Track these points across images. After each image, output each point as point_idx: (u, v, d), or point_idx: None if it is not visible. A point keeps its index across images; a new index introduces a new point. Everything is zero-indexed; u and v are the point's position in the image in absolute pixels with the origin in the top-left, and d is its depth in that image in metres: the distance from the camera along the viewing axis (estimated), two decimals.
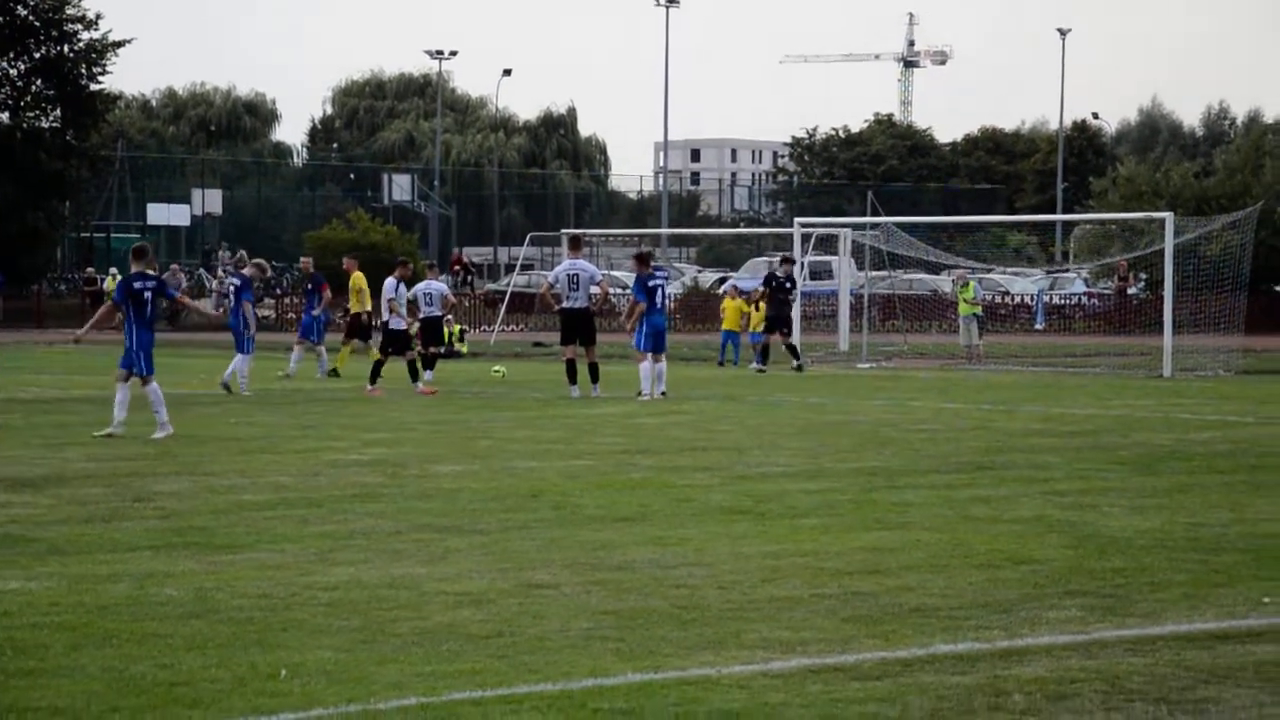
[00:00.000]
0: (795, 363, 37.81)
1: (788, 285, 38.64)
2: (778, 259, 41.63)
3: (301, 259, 40.76)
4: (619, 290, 43.55)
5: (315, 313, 35.12)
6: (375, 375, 29.88)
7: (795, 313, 40.01)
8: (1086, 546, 12.93)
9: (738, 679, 8.86)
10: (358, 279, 35.52)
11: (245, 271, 31.01)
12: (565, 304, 28.69)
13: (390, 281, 30.95)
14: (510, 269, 75.48)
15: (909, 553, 12.66)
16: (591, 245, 79.83)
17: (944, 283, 60.70)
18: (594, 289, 28.82)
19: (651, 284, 28.77)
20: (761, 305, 40.10)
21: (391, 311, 30.43)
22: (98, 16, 68.23)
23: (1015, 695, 8.57)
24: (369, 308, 35.24)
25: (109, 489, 16.08)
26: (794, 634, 9.92)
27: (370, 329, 35.39)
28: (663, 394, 28.12)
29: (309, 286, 36.00)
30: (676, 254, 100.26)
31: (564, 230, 57.33)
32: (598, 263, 61.96)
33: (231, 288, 30.91)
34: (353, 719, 8.12)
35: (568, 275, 28.68)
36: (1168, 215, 39.30)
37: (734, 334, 40.97)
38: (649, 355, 28.42)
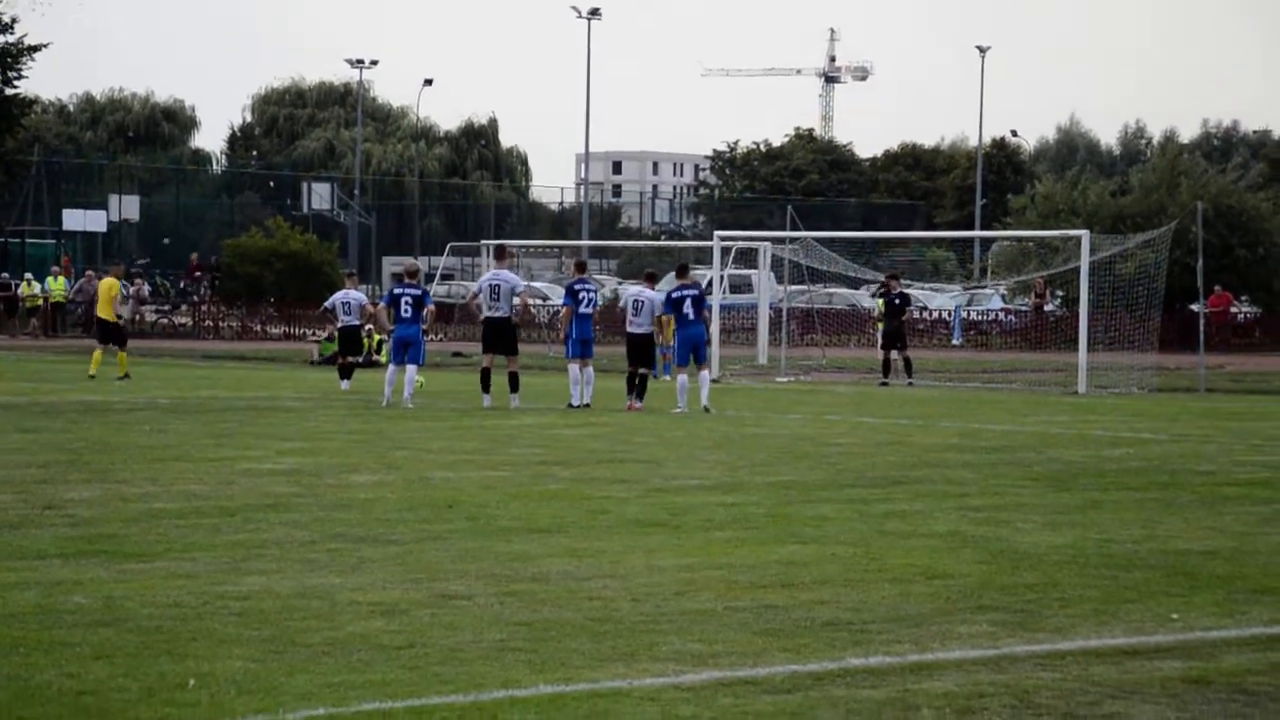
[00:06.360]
0: (908, 379, 38.61)
1: (896, 301, 39.52)
2: (883, 278, 42.26)
3: None
4: (538, 301, 43.52)
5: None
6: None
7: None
8: (999, 562, 13.00)
9: (649, 691, 8.86)
10: (113, 286, 36.80)
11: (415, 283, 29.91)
12: (487, 314, 28.82)
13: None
14: (430, 279, 75.27)
15: (822, 567, 12.69)
16: (513, 256, 79.76)
17: (863, 297, 60.93)
18: (515, 300, 28.96)
19: (576, 290, 29.34)
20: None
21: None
22: (13, 20, 67.74)
23: (924, 709, 8.61)
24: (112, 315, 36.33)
25: (18, 496, 15.92)
26: (706, 647, 9.93)
27: (125, 335, 36.83)
28: (587, 405, 28.58)
29: None
30: (597, 266, 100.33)
31: (484, 240, 57.35)
32: (519, 273, 62.10)
33: (408, 298, 28.83)
34: None
35: (490, 285, 28.83)
36: (1084, 233, 39.61)
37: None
38: (578, 360, 28.91)
